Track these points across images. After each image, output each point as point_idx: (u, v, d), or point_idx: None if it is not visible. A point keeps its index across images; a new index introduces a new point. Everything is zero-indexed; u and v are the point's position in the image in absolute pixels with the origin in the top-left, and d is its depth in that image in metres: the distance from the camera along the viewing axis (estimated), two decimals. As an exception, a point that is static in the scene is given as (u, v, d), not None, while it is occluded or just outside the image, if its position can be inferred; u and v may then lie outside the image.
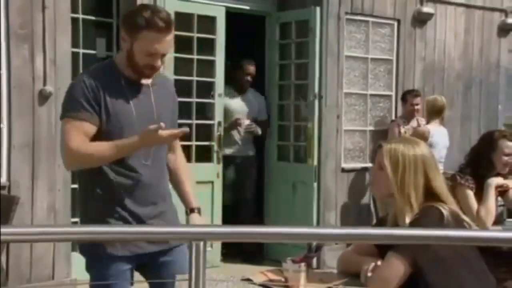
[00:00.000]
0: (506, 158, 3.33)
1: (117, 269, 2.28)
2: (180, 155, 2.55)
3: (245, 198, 5.34)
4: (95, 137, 2.24)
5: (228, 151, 5.26)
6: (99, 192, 2.27)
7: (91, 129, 2.21)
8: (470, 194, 3.28)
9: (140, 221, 2.26)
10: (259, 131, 5.28)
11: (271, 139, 5.58)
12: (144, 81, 2.32)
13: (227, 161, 5.24)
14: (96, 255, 2.28)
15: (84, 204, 2.36)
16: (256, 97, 5.42)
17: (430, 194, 2.16)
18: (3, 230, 1.46)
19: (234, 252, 5.17)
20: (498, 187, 3.28)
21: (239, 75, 5.31)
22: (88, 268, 2.34)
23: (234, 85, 5.34)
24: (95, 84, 2.24)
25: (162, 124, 2.15)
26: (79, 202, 2.40)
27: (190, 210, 2.45)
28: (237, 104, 5.29)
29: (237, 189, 5.30)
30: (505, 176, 3.35)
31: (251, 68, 5.32)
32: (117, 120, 2.25)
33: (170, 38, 2.25)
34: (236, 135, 5.26)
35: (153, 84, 2.35)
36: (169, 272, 2.29)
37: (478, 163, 3.34)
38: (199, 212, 2.46)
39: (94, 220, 2.26)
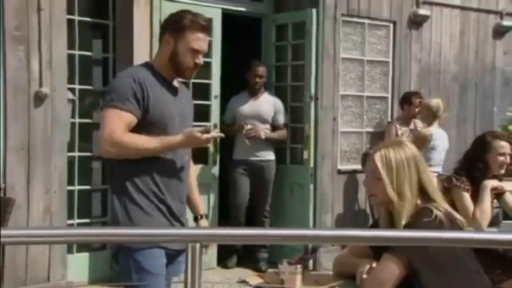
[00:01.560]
0: (501, 158, 3.33)
1: (162, 262, 2.32)
2: (190, 162, 2.63)
3: (254, 202, 5.19)
4: (134, 130, 2.32)
5: (238, 155, 5.16)
6: (140, 185, 2.33)
7: (133, 121, 2.31)
8: (466, 195, 3.29)
9: (174, 217, 2.37)
10: (262, 135, 5.06)
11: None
12: (176, 84, 2.50)
13: (238, 165, 5.14)
14: (133, 247, 2.27)
15: (121, 196, 2.36)
16: (269, 100, 5.22)
17: (422, 190, 2.17)
18: (3, 232, 1.46)
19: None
20: (493, 189, 3.29)
21: (248, 77, 5.17)
22: (127, 262, 2.29)
23: (247, 88, 5.24)
24: (142, 79, 2.36)
25: (210, 126, 2.46)
26: (115, 192, 2.40)
27: (199, 216, 2.57)
28: (248, 108, 5.15)
29: (245, 193, 5.17)
30: (500, 178, 3.36)
31: (260, 69, 5.16)
32: (162, 115, 2.38)
33: (208, 38, 2.50)
34: (244, 139, 5.07)
35: (180, 89, 2.54)
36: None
37: (473, 166, 3.35)
38: (206, 217, 2.61)
39: (136, 213, 2.29)
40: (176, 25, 2.43)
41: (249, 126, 5.03)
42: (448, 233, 1.87)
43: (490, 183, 3.26)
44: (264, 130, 5.11)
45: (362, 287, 2.13)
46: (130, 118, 2.29)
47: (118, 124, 2.27)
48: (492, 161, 3.33)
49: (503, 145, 3.37)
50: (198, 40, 2.42)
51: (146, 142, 2.30)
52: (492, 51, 6.65)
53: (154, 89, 2.37)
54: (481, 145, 3.39)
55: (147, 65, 2.49)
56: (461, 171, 3.38)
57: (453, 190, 3.32)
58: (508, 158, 3.36)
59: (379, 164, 2.19)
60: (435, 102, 5.47)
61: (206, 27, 2.48)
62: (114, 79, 2.43)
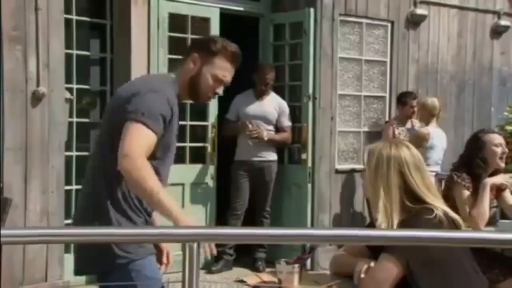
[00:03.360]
0: (497, 149, 3.32)
1: (157, 266, 2.31)
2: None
3: (254, 203, 5.16)
4: None
5: (240, 156, 5.13)
6: (123, 194, 2.23)
7: (154, 143, 2.19)
8: (466, 193, 3.28)
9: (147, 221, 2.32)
10: (265, 137, 5.02)
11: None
12: None
13: (240, 165, 5.11)
14: (134, 258, 2.21)
15: (102, 204, 2.25)
16: (275, 101, 5.18)
17: (413, 195, 2.17)
18: (2, 232, 1.46)
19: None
20: (497, 188, 3.27)
21: (256, 80, 5.12)
22: (127, 277, 2.21)
23: (254, 88, 5.20)
24: (172, 102, 2.25)
25: None
26: (95, 201, 2.28)
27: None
28: (253, 109, 5.11)
29: (245, 194, 5.13)
30: (503, 171, 3.33)
31: (267, 71, 5.11)
32: (171, 140, 2.30)
33: (234, 71, 2.40)
34: (250, 142, 5.05)
35: None
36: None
37: (472, 164, 3.34)
38: None
39: (110, 217, 2.20)
40: (207, 48, 2.33)
41: (251, 126, 5.01)
42: (445, 232, 1.88)
43: (491, 181, 3.25)
44: (267, 131, 5.09)
45: (360, 286, 2.13)
46: (153, 140, 2.17)
47: (143, 144, 2.13)
48: (489, 155, 3.32)
49: (495, 136, 3.38)
50: (225, 70, 2.34)
51: (153, 183, 2.09)
52: (490, 51, 6.66)
53: (175, 114, 2.28)
54: (474, 143, 3.39)
55: (174, 82, 2.34)
56: (461, 168, 3.37)
57: (453, 187, 3.31)
58: (505, 148, 3.35)
59: (366, 159, 2.23)
60: (431, 101, 5.48)
61: (236, 59, 2.37)
62: (147, 93, 2.19)
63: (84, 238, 1.70)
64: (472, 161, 3.34)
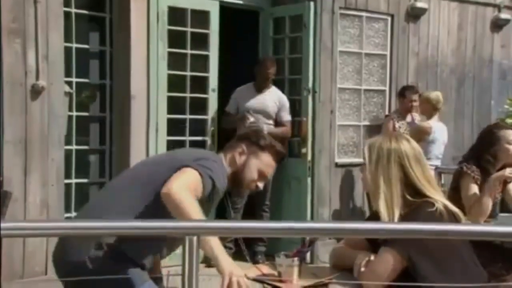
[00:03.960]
0: (510, 146, 3.31)
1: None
2: None
3: (254, 197, 5.10)
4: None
5: None
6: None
7: (200, 194, 2.19)
8: (472, 187, 3.27)
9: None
10: (264, 131, 5.03)
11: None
12: None
13: None
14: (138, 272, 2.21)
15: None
16: (274, 96, 5.16)
17: (414, 189, 2.17)
18: (2, 225, 1.46)
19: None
20: (504, 180, 3.26)
21: (257, 73, 5.11)
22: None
23: (255, 82, 5.19)
24: (221, 187, 2.28)
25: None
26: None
27: None
28: (254, 103, 5.09)
29: (243, 190, 5.11)
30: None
31: (269, 65, 5.10)
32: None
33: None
34: None
35: None
36: None
37: (482, 158, 3.33)
38: None
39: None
40: (257, 141, 2.40)
41: (252, 119, 5.01)
42: (445, 225, 1.88)
43: (498, 176, 3.23)
44: (267, 125, 5.08)
45: (360, 279, 2.13)
46: (200, 192, 2.17)
47: (196, 187, 2.15)
48: (501, 152, 3.31)
49: (510, 133, 3.36)
50: (270, 166, 2.41)
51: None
52: (490, 44, 6.65)
53: (218, 193, 2.31)
54: (488, 138, 3.37)
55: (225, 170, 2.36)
56: (471, 160, 3.36)
57: (462, 178, 3.31)
58: None
59: (366, 152, 2.22)
60: (435, 95, 5.48)
61: (281, 157, 2.47)
62: (215, 161, 2.28)
63: (84, 231, 1.70)
64: (482, 155, 3.33)
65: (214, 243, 2.04)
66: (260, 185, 2.40)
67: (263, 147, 2.39)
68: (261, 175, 2.39)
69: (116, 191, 2.32)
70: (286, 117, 5.19)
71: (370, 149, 2.22)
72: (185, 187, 2.09)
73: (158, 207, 2.11)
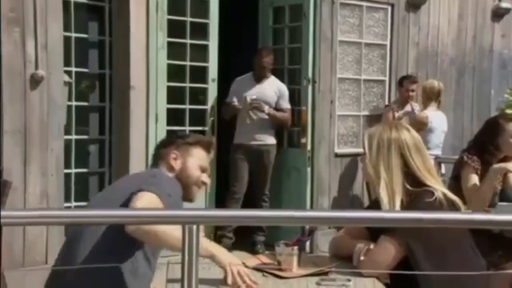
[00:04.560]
0: None
1: None
2: None
3: (253, 187, 5.14)
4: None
5: (239, 139, 5.11)
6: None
7: None
8: (473, 177, 3.27)
9: None
10: (266, 110, 4.98)
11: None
12: None
13: (239, 149, 5.09)
14: None
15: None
16: (273, 86, 5.14)
17: (414, 178, 2.17)
18: (2, 213, 1.46)
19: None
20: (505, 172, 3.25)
21: (255, 64, 5.09)
22: None
23: (253, 72, 5.17)
24: (179, 190, 2.31)
25: None
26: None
27: None
28: (252, 93, 5.05)
29: (244, 178, 5.09)
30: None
31: (264, 55, 5.08)
32: None
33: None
34: (248, 121, 5.05)
35: None
36: None
37: (484, 149, 3.33)
38: None
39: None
40: (184, 141, 2.42)
41: (254, 97, 4.99)
42: (444, 214, 1.88)
43: (499, 168, 3.23)
44: (268, 107, 5.03)
45: (359, 268, 2.14)
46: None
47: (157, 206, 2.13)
48: (504, 144, 3.31)
49: None
50: (205, 159, 2.42)
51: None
52: (490, 34, 6.63)
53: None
54: (493, 128, 3.36)
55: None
56: (473, 150, 3.36)
57: (463, 167, 3.31)
58: None
59: (365, 141, 2.22)
60: (429, 83, 5.49)
61: (211, 148, 2.50)
62: (167, 177, 2.30)
63: (83, 219, 1.70)
64: (485, 145, 3.33)
65: (205, 243, 2.06)
66: (206, 179, 2.42)
67: (192, 143, 2.41)
68: (203, 170, 2.40)
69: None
70: (286, 105, 5.18)
71: (370, 138, 2.22)
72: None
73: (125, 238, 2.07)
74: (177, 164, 2.36)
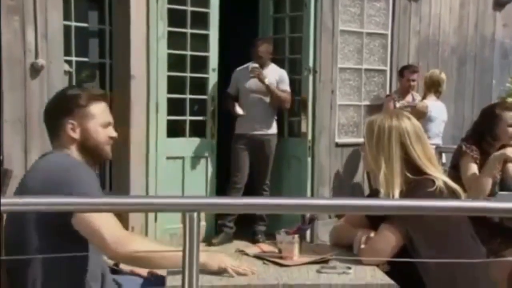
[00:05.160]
0: (511, 129, 3.31)
1: None
2: None
3: (254, 176, 5.13)
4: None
5: (240, 129, 5.09)
6: None
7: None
8: (472, 166, 3.27)
9: None
10: (266, 81, 4.91)
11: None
12: None
13: (240, 139, 5.07)
14: None
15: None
16: (274, 74, 5.10)
17: (414, 166, 2.17)
18: (2, 201, 1.46)
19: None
20: (504, 159, 3.25)
21: (252, 54, 5.06)
22: None
23: (253, 62, 5.10)
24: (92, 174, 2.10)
25: None
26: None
27: None
28: (252, 83, 5.03)
29: (245, 167, 5.07)
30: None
31: (258, 44, 5.04)
32: None
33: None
34: (249, 111, 5.04)
35: None
36: None
37: (482, 138, 3.32)
38: None
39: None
40: (76, 104, 2.12)
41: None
42: (444, 201, 1.88)
43: (498, 156, 3.23)
44: (270, 82, 4.99)
45: (360, 256, 2.14)
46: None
47: (110, 219, 1.98)
48: (502, 133, 3.30)
49: None
50: (104, 112, 2.15)
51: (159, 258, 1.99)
52: (492, 23, 6.60)
53: None
54: (490, 117, 3.35)
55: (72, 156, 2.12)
56: (470, 140, 3.36)
57: (461, 156, 3.31)
58: None
59: (366, 130, 2.22)
60: (428, 74, 5.48)
61: (104, 97, 2.22)
62: (83, 169, 2.04)
63: (82, 207, 1.69)
64: (483, 135, 3.32)
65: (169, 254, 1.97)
66: (113, 133, 2.16)
67: (83, 105, 2.10)
68: (106, 126, 2.14)
69: None
70: (285, 87, 5.10)
71: (370, 127, 2.22)
72: (116, 236, 1.89)
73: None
74: (77, 134, 2.10)
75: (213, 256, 2.05)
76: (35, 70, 4.13)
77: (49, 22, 4.18)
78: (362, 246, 2.17)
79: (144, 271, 2.30)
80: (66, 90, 2.22)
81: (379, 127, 2.19)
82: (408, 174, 2.16)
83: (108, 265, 2.19)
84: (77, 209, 1.76)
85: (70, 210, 1.82)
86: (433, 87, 5.41)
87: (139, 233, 4.70)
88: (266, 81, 4.97)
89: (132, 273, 2.31)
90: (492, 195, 3.24)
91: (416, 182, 2.15)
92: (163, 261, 1.97)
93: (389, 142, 2.17)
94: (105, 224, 1.91)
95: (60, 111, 2.12)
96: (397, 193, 2.14)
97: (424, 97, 5.48)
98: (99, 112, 2.13)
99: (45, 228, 1.95)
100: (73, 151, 2.11)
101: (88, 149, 2.12)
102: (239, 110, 5.05)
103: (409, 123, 2.21)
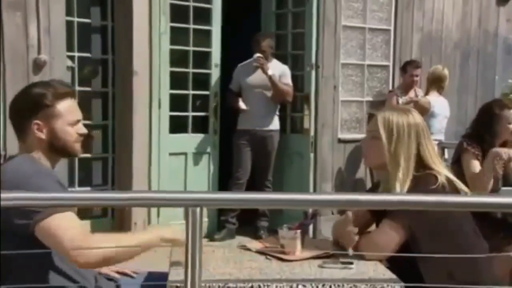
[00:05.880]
0: (511, 126, 3.31)
1: None
2: None
3: (256, 172, 5.12)
4: None
5: (243, 125, 5.08)
6: None
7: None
8: (474, 162, 3.27)
9: None
10: (269, 72, 4.88)
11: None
12: None
13: (242, 135, 5.07)
14: None
15: None
16: (276, 69, 5.05)
17: (421, 162, 2.16)
18: (2, 195, 1.46)
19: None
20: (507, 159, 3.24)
21: (252, 48, 5.03)
22: None
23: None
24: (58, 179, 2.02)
25: None
26: None
27: None
28: (255, 78, 5.01)
29: (247, 163, 5.06)
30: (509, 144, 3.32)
31: (259, 40, 4.99)
32: None
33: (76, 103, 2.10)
34: (256, 108, 5.01)
35: None
36: None
37: (482, 136, 3.32)
38: None
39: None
40: (40, 105, 2.01)
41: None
42: (447, 196, 1.88)
43: (498, 152, 3.22)
44: (273, 74, 4.96)
45: (360, 251, 2.13)
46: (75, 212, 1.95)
47: (71, 221, 1.90)
48: (502, 131, 3.31)
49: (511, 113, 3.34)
50: (71, 108, 2.05)
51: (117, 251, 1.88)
52: (495, 18, 6.58)
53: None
54: (489, 116, 3.35)
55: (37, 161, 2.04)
56: (471, 137, 3.36)
57: (463, 153, 3.31)
58: None
59: (381, 126, 2.18)
60: (435, 69, 5.46)
61: (72, 92, 2.10)
62: (43, 175, 1.95)
63: (86, 202, 1.70)
64: (482, 134, 3.32)
65: (132, 238, 1.95)
66: (83, 130, 2.07)
67: (49, 104, 1.99)
68: (74, 124, 2.04)
69: None
70: (287, 80, 5.07)
71: (388, 124, 2.16)
72: (76, 239, 1.80)
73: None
74: (44, 134, 2.00)
75: (152, 232, 2.04)
76: (38, 66, 4.14)
77: (52, 17, 4.18)
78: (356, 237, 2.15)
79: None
80: (30, 89, 2.09)
81: (398, 126, 2.16)
82: (414, 171, 2.16)
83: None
84: (79, 204, 1.77)
85: (73, 205, 1.82)
86: (436, 83, 5.40)
87: (141, 229, 4.71)
88: (270, 71, 4.95)
89: (124, 274, 2.27)
90: (495, 191, 3.24)
91: (419, 177, 2.14)
92: (129, 253, 1.89)
93: (409, 141, 2.15)
94: (65, 232, 1.81)
95: (25, 110, 2.02)
96: (405, 189, 2.13)
97: (426, 93, 5.47)
98: (66, 111, 2.02)
99: (14, 237, 1.86)
100: (40, 153, 2.02)
101: (57, 148, 2.03)
102: (243, 105, 5.05)
103: (420, 118, 2.21)
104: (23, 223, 1.82)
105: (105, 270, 2.22)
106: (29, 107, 2.01)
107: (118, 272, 2.26)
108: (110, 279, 2.21)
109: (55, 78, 2.14)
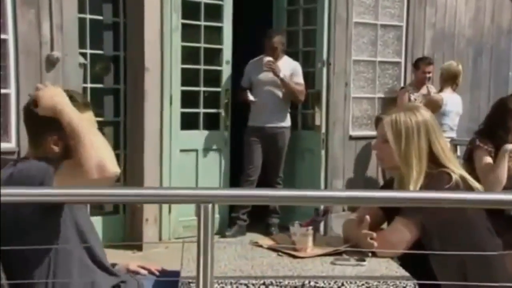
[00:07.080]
0: None
1: None
2: None
3: (267, 169, 5.11)
4: None
5: (253, 121, 5.09)
6: None
7: None
8: (486, 159, 3.24)
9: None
10: (281, 74, 4.89)
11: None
12: None
13: (253, 131, 5.06)
14: None
15: None
16: (287, 66, 5.06)
17: (434, 159, 2.15)
18: (3, 191, 1.46)
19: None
20: None
21: (264, 45, 5.04)
22: None
23: (266, 55, 5.08)
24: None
25: None
26: None
27: None
28: (265, 75, 5.00)
29: (258, 160, 5.06)
30: None
31: (273, 36, 5.00)
32: None
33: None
34: (265, 104, 5.02)
35: None
36: None
37: (495, 132, 3.30)
38: None
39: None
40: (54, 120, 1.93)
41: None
42: (460, 193, 1.87)
43: (510, 147, 3.20)
44: (284, 76, 4.96)
45: (368, 247, 2.12)
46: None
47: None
48: None
49: None
50: (91, 119, 2.08)
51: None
52: (509, 14, 6.51)
53: None
54: (502, 112, 3.32)
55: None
56: (483, 134, 3.33)
57: (475, 149, 3.29)
58: None
59: (389, 129, 2.17)
60: (449, 65, 5.41)
61: (87, 104, 2.11)
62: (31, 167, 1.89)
63: (97, 198, 1.70)
64: (495, 130, 3.29)
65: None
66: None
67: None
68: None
69: None
70: (299, 79, 5.06)
71: (395, 126, 2.15)
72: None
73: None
74: (59, 148, 1.97)
75: (47, 90, 1.97)
76: (51, 63, 4.16)
77: (64, 15, 4.20)
78: (375, 243, 2.13)
79: (152, 267, 2.28)
80: None
81: (406, 126, 2.14)
82: (427, 168, 2.14)
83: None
84: (90, 200, 1.77)
85: (85, 202, 1.83)
86: (450, 79, 5.34)
87: (153, 225, 4.73)
88: (281, 74, 4.95)
89: (136, 273, 2.27)
90: (508, 188, 3.21)
91: (432, 175, 2.13)
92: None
93: (418, 139, 2.14)
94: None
95: (43, 123, 1.95)
96: (418, 186, 2.12)
97: (441, 90, 5.41)
98: (85, 119, 2.00)
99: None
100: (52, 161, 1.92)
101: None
102: (251, 97, 5.03)
103: (429, 115, 2.19)
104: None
105: (133, 267, 2.25)
106: (48, 120, 1.93)
107: (143, 268, 2.28)
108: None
109: (74, 90, 2.09)
